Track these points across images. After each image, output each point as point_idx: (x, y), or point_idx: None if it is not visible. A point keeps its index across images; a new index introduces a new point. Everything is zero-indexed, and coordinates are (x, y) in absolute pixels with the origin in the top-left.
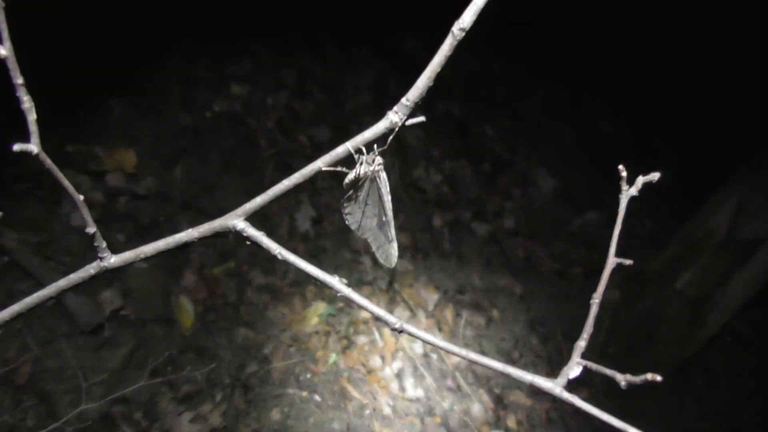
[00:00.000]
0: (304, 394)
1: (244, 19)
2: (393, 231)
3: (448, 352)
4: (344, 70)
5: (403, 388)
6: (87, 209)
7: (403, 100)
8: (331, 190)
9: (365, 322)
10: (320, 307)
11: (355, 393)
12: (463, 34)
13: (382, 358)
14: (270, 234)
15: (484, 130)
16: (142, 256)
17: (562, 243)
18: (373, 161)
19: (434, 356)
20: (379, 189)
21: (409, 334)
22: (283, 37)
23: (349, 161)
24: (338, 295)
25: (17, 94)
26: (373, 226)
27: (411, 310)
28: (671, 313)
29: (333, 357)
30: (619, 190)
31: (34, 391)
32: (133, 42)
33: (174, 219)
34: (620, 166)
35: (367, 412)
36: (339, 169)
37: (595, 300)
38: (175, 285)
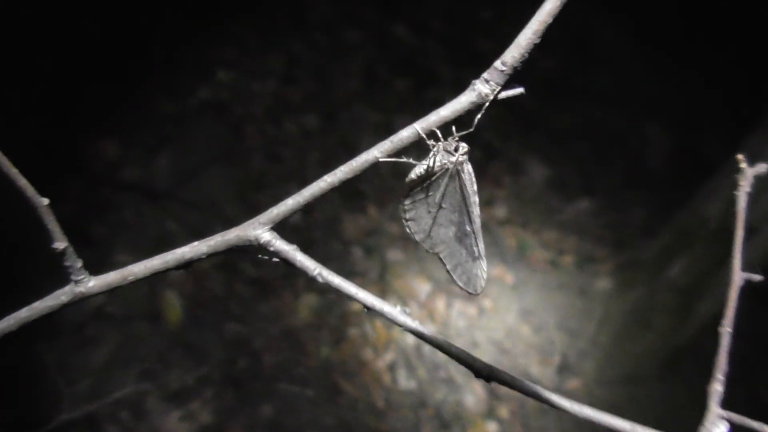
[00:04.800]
0: (296, 388)
1: (230, 2)
2: (482, 245)
3: (553, 406)
4: (333, 56)
5: (396, 381)
6: (53, 218)
7: (497, 63)
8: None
9: (356, 314)
10: (311, 300)
11: (347, 387)
12: None
13: (375, 350)
14: None
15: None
16: (131, 278)
17: (553, 232)
18: (456, 149)
19: (426, 348)
20: (462, 187)
21: (501, 383)
22: (270, 21)
23: (415, 149)
24: (365, 311)
25: None
26: (448, 237)
27: (403, 300)
28: (663, 301)
29: (325, 350)
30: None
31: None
32: (114, 26)
33: (158, 210)
34: (739, 156)
35: (360, 405)
36: (403, 159)
37: (726, 329)
38: (160, 279)
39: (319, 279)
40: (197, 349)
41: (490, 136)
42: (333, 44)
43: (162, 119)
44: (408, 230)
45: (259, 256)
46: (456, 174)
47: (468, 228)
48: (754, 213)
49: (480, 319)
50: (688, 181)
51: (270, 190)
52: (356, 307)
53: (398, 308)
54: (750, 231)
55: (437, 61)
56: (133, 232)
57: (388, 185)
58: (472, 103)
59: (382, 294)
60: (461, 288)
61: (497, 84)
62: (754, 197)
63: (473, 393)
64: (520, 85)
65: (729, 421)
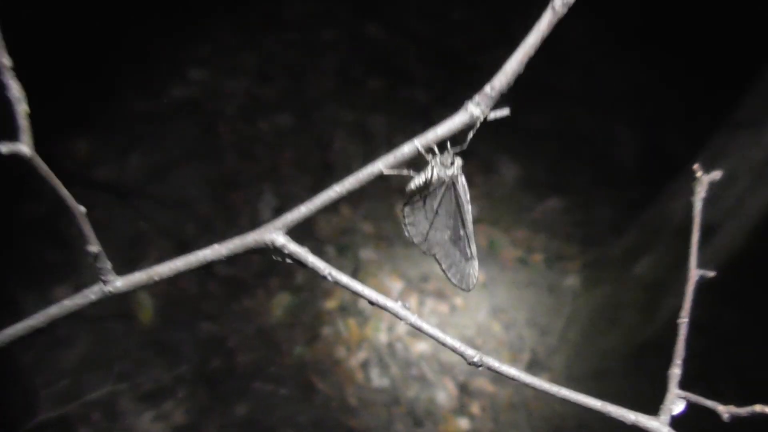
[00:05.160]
0: (270, 387)
1: None
2: (474, 247)
3: (535, 387)
4: (307, 55)
5: (368, 379)
6: (88, 224)
7: (487, 88)
8: (294, 178)
9: (330, 312)
10: (284, 299)
11: (321, 385)
12: (566, 9)
13: (348, 348)
14: (232, 225)
15: (447, 116)
16: (156, 278)
17: (523, 230)
18: (452, 163)
19: (399, 345)
20: (457, 197)
21: (490, 369)
22: (244, 19)
23: (415, 162)
24: (377, 307)
25: (2, 79)
26: (443, 240)
27: None
28: (629, 298)
29: (298, 349)
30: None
31: None
32: (86, 23)
33: (130, 209)
34: (695, 166)
35: (334, 403)
36: (405, 171)
37: (684, 320)
38: None
39: (330, 278)
40: (170, 348)
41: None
42: (307, 43)
43: (134, 117)
44: (407, 233)
45: (273, 257)
46: (452, 185)
47: (462, 232)
48: (714, 212)
49: (452, 317)
50: (654, 179)
51: (244, 189)
52: (329, 305)
53: (399, 303)
54: (710, 229)
55: (410, 61)
56: (105, 231)
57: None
58: (465, 123)
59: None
60: (455, 285)
61: (487, 106)
62: (714, 197)
63: (445, 390)
64: (506, 107)
65: (686, 400)
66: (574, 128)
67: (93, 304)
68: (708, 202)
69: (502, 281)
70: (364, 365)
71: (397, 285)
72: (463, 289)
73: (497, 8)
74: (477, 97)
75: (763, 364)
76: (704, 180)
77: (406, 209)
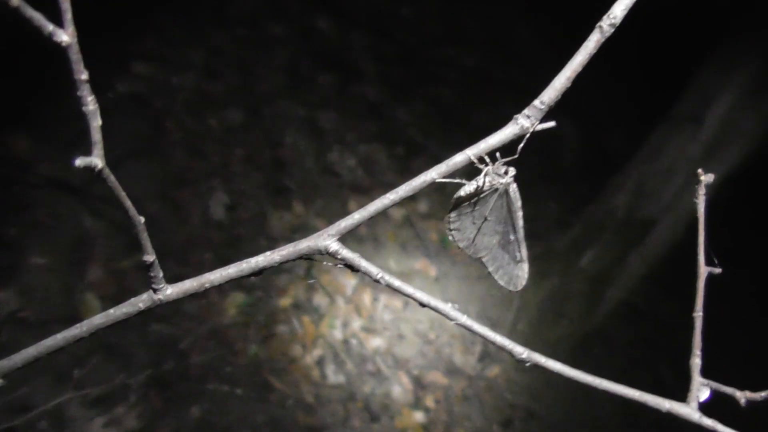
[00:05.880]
0: (225, 388)
1: None
2: (524, 251)
3: (578, 380)
4: (255, 50)
5: (324, 376)
6: (146, 234)
7: (537, 102)
8: (245, 175)
9: (284, 310)
10: (238, 298)
11: (277, 384)
12: (613, 30)
13: (303, 346)
14: (182, 224)
15: (398, 113)
16: (207, 285)
17: None
18: (506, 173)
19: (354, 341)
20: (510, 204)
21: (539, 364)
22: (190, 12)
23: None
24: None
25: (78, 93)
26: (492, 244)
27: (330, 296)
28: (575, 290)
29: (253, 348)
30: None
31: None
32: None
33: (74, 209)
34: (699, 170)
35: (290, 402)
36: (457, 180)
37: (698, 314)
38: (79, 281)
39: (382, 282)
40: (120, 352)
41: (412, 132)
42: (255, 38)
43: (77, 113)
44: (451, 239)
45: (325, 263)
46: (504, 192)
47: (512, 237)
48: (654, 207)
49: (405, 312)
50: (597, 175)
51: (192, 187)
52: (284, 303)
53: (449, 305)
54: (652, 222)
55: (361, 57)
56: (48, 232)
57: (313, 181)
58: (515, 134)
59: (310, 289)
60: (502, 286)
61: (536, 119)
62: (655, 192)
63: (400, 384)
64: (551, 120)
65: (709, 387)
66: None
67: (141, 313)
68: (648, 196)
69: (453, 275)
70: (320, 362)
71: (351, 281)
72: (510, 290)
73: (446, 5)
74: (527, 110)
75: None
76: (704, 180)
77: (452, 215)
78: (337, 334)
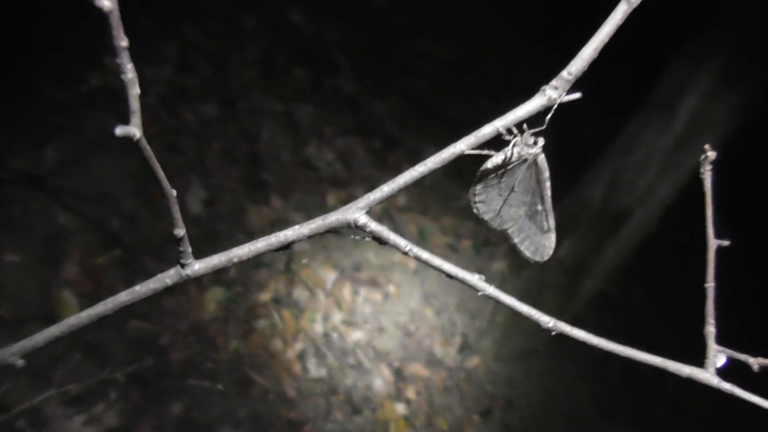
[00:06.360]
0: (206, 383)
1: None
2: (552, 220)
3: (607, 350)
4: (229, 44)
5: (306, 369)
6: (177, 207)
7: (564, 73)
8: (222, 169)
9: (265, 305)
10: (217, 293)
11: (258, 378)
12: (640, 1)
13: (284, 340)
14: (159, 219)
15: (374, 106)
16: (235, 260)
17: (451, 218)
18: (535, 143)
19: (335, 335)
20: (539, 173)
21: (564, 332)
22: (162, 5)
23: (493, 143)
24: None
25: (117, 60)
26: (518, 215)
27: (310, 290)
28: (552, 280)
29: (234, 343)
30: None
31: None
32: None
33: (48, 205)
34: (707, 146)
35: (272, 396)
36: (485, 151)
37: (710, 284)
38: (54, 278)
39: (410, 254)
40: (98, 349)
41: (389, 126)
42: (229, 31)
43: (49, 107)
44: (476, 211)
45: (352, 236)
46: (533, 163)
47: (540, 207)
48: (629, 198)
49: (385, 305)
50: (572, 167)
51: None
52: (264, 298)
53: (476, 276)
54: (627, 213)
55: (335, 49)
56: (21, 228)
57: (291, 175)
58: (543, 105)
59: (290, 283)
60: (527, 257)
61: (564, 90)
62: (629, 184)
63: (381, 376)
64: (577, 91)
65: (725, 353)
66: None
67: (168, 288)
68: (623, 187)
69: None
70: (301, 356)
71: (330, 275)
72: (537, 261)
73: None
74: (554, 81)
75: (669, 337)
76: (710, 156)
77: (478, 187)
78: (318, 328)
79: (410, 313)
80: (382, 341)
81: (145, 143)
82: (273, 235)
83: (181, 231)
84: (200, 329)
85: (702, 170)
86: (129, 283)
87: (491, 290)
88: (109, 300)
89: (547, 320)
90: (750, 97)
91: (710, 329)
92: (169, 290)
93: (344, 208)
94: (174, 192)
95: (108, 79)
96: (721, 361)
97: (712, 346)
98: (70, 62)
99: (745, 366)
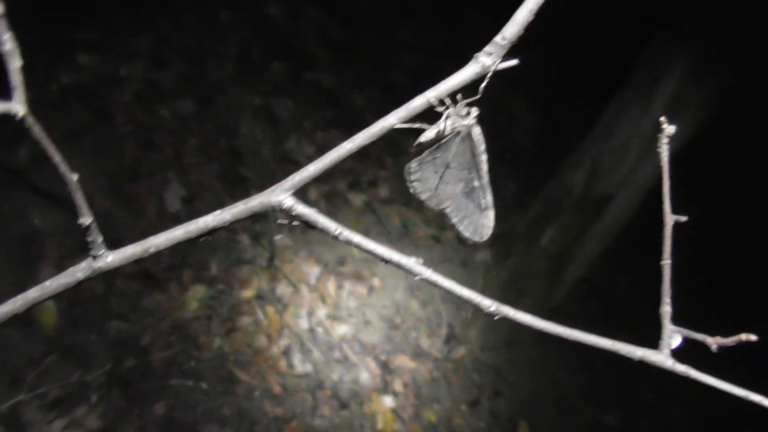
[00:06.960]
0: (190, 382)
1: None
2: (489, 197)
3: (555, 334)
4: (205, 38)
5: (291, 365)
6: (81, 193)
7: (498, 38)
8: (201, 166)
9: (248, 302)
10: (199, 291)
11: (243, 376)
12: None
13: (268, 337)
14: (137, 218)
15: (354, 99)
16: (152, 249)
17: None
18: (468, 114)
19: (320, 330)
20: (473, 147)
21: (507, 316)
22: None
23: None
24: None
25: None
26: (455, 193)
27: (293, 285)
28: (536, 269)
29: (217, 341)
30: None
31: None
32: None
33: (21, 207)
34: (662, 118)
35: (257, 393)
36: (417, 125)
37: (667, 261)
38: (30, 280)
39: (341, 238)
40: (78, 351)
41: (370, 118)
42: (205, 25)
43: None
44: (413, 190)
45: (278, 221)
46: (467, 135)
47: (476, 183)
48: (610, 183)
49: (370, 298)
50: (553, 154)
51: (147, 180)
52: (247, 295)
53: (413, 260)
54: (608, 199)
55: (312, 43)
56: None
57: (271, 170)
58: (476, 73)
59: (273, 279)
60: (467, 237)
61: (498, 56)
62: (610, 170)
63: (368, 370)
64: (514, 58)
65: (680, 333)
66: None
67: (81, 283)
68: (603, 173)
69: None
70: (286, 352)
71: (314, 270)
72: (476, 241)
73: None
74: (488, 47)
75: (654, 322)
76: (667, 131)
77: (413, 165)
78: (303, 323)
79: (395, 306)
80: (367, 335)
81: (32, 122)
82: (192, 222)
83: (87, 220)
84: (182, 328)
85: (659, 144)
86: (108, 284)
87: (428, 274)
88: (18, 297)
89: (488, 304)
90: (728, 81)
91: (666, 309)
92: (147, 290)
93: (268, 190)
94: (75, 176)
95: (80, 78)
96: (676, 342)
97: (668, 326)
98: (40, 59)
99: (713, 349)
